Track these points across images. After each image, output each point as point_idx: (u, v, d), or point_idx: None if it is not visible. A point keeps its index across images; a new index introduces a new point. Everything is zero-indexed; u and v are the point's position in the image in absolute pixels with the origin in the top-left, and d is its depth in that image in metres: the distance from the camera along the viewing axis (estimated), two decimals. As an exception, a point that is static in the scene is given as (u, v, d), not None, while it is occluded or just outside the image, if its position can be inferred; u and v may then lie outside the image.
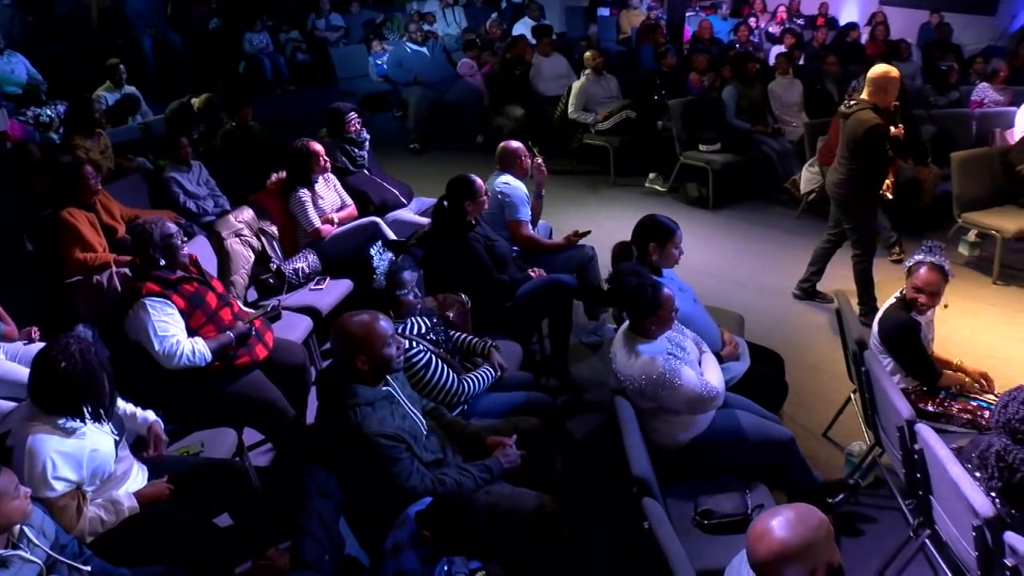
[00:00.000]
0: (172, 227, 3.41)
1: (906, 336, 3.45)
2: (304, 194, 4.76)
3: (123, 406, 3.05)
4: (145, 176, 5.70)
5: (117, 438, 2.72)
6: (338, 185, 5.12)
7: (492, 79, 8.95)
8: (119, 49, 9.97)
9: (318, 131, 5.86)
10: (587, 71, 8.03)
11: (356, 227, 4.89)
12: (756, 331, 4.52)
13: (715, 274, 5.81)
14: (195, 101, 6.72)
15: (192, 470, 2.99)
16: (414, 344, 3.21)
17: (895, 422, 2.90)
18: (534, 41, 9.17)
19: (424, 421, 2.90)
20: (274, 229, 4.79)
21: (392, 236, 4.84)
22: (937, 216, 6.26)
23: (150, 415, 3.11)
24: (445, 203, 4.24)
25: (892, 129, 4.60)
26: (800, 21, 11.48)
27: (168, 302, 3.27)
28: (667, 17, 10.91)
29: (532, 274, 4.39)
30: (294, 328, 4.18)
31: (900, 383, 3.48)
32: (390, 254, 3.41)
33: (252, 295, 4.61)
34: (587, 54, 8.21)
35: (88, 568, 2.35)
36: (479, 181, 4.27)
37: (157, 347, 3.20)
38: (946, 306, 3.58)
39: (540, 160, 4.89)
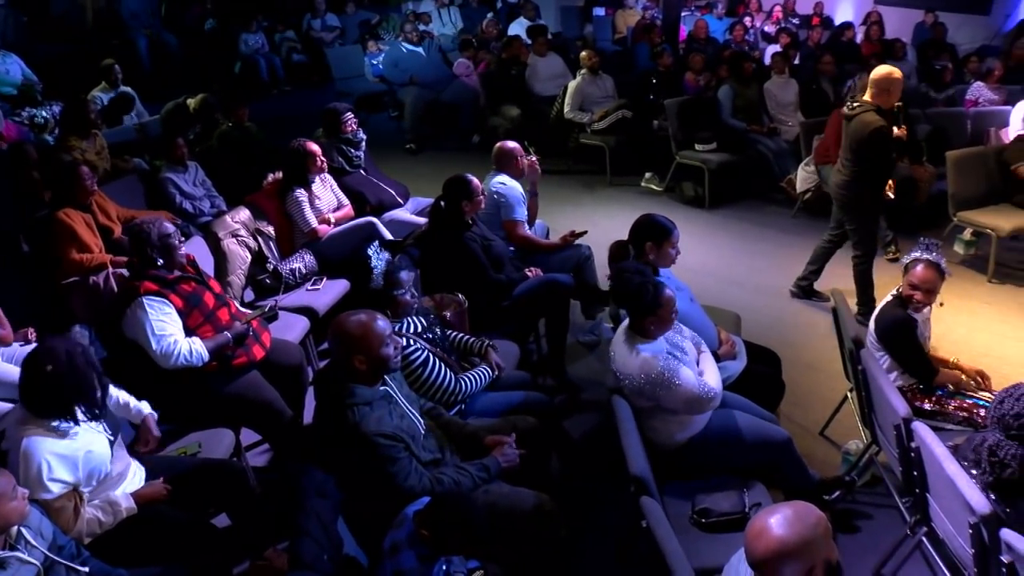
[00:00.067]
0: (170, 227, 3.40)
1: (903, 333, 3.46)
2: (301, 194, 4.75)
3: (116, 394, 3.05)
4: (141, 177, 5.69)
5: (112, 438, 2.72)
6: (334, 185, 5.12)
7: (488, 79, 8.95)
8: (114, 50, 9.93)
9: (314, 131, 5.85)
10: (583, 71, 8.04)
11: (353, 227, 4.89)
12: (753, 330, 4.53)
13: (712, 273, 5.82)
14: (191, 102, 6.71)
15: (190, 470, 2.99)
16: (411, 342, 3.21)
17: (892, 420, 2.91)
18: (529, 41, 9.17)
19: (422, 421, 2.90)
20: (271, 229, 4.78)
21: (389, 236, 4.84)
22: (932, 215, 6.28)
23: (144, 407, 3.11)
24: (442, 203, 4.24)
25: (895, 130, 4.61)
26: (795, 20, 11.49)
27: (166, 301, 3.27)
28: (663, 17, 10.93)
29: (529, 274, 4.39)
30: (291, 328, 4.17)
31: (896, 381, 3.49)
32: (387, 254, 3.42)
33: (249, 295, 4.61)
34: (583, 54, 8.21)
35: (86, 569, 2.35)
36: (476, 181, 4.27)
37: (155, 346, 3.20)
38: (941, 304, 3.59)
39: (534, 158, 4.90)
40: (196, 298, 3.41)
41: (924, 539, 2.97)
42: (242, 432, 3.58)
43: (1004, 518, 2.44)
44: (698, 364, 3.22)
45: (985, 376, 3.60)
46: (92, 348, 3.28)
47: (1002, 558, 2.29)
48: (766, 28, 11.26)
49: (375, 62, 10.23)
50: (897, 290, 3.56)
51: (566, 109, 8.00)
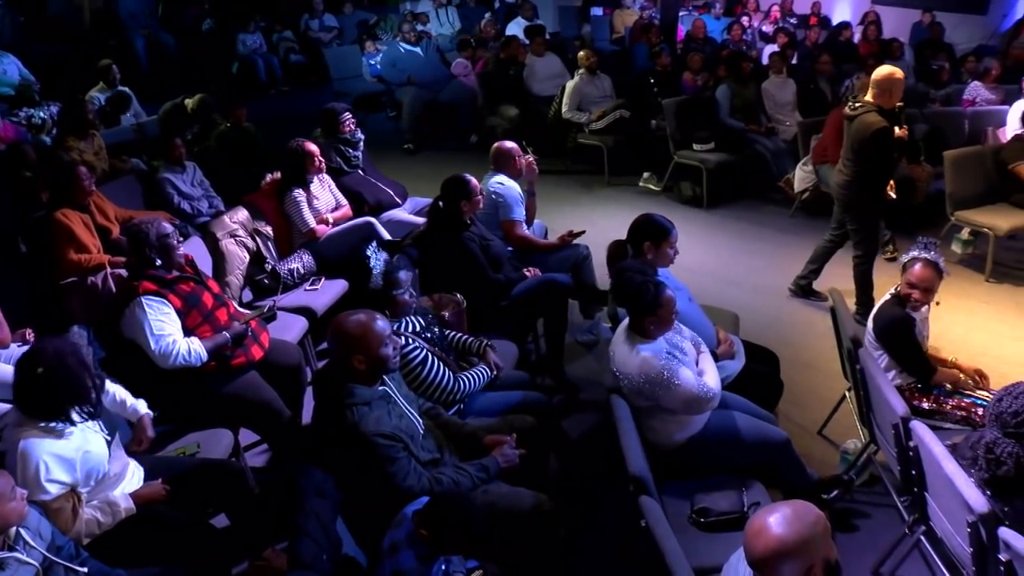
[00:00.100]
0: (168, 227, 3.40)
1: (901, 331, 3.47)
2: (299, 194, 4.75)
3: (113, 390, 3.05)
4: (139, 177, 5.69)
5: (109, 438, 2.72)
6: (333, 185, 5.12)
7: (486, 79, 8.95)
8: (112, 50, 9.93)
9: (312, 131, 5.85)
10: (581, 71, 8.04)
11: (351, 227, 4.88)
12: (751, 329, 4.53)
13: (710, 273, 5.82)
14: (189, 102, 6.71)
15: (188, 471, 2.99)
16: (410, 341, 3.21)
17: (890, 419, 2.92)
18: (527, 41, 9.17)
19: (421, 420, 2.90)
20: (269, 230, 4.78)
21: (387, 236, 4.84)
22: (930, 214, 6.29)
23: (141, 407, 3.10)
24: (441, 203, 4.24)
25: (897, 130, 4.61)
26: (793, 20, 11.51)
27: (164, 301, 3.27)
28: (660, 16, 10.93)
29: (527, 273, 4.39)
30: (289, 329, 4.17)
31: (894, 380, 3.50)
32: (385, 254, 3.41)
33: (247, 296, 4.60)
34: (581, 54, 8.22)
35: (84, 569, 2.34)
36: (474, 181, 4.27)
37: (153, 346, 3.20)
38: (938, 303, 3.60)
39: (531, 158, 4.90)
40: (195, 298, 3.41)
41: (922, 538, 2.98)
42: (240, 432, 3.58)
43: (1002, 516, 2.45)
44: (697, 364, 3.22)
45: (983, 375, 3.61)
46: (91, 348, 3.29)
47: (1000, 556, 2.30)
48: (764, 28, 11.27)
49: (373, 62, 10.23)
50: (895, 289, 3.56)
51: (564, 109, 8.01)
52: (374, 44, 10.43)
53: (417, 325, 3.39)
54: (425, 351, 3.24)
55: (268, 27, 11.77)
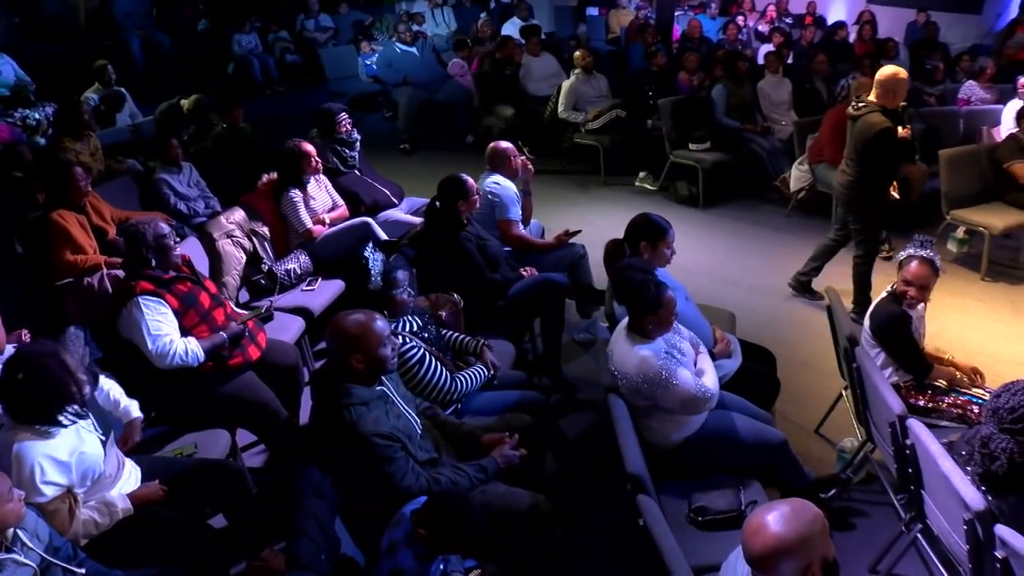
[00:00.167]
0: (165, 228, 3.40)
1: (897, 328, 3.47)
2: (296, 195, 4.75)
3: (108, 388, 3.05)
4: (135, 178, 5.67)
5: (103, 438, 2.71)
6: (329, 186, 5.11)
7: (482, 79, 8.96)
8: (107, 50, 9.92)
9: (308, 132, 5.85)
10: (577, 70, 8.05)
11: (348, 227, 4.88)
12: (747, 329, 4.54)
13: (706, 272, 5.83)
14: (185, 102, 6.69)
15: (186, 471, 2.98)
16: (407, 340, 3.21)
17: (887, 418, 2.92)
18: (523, 41, 9.18)
19: (419, 420, 2.90)
20: (265, 230, 4.77)
21: (384, 236, 4.84)
22: (926, 213, 6.30)
23: (134, 409, 3.09)
24: (438, 203, 4.25)
25: (900, 130, 4.61)
26: (788, 20, 11.53)
27: (162, 301, 3.27)
28: (656, 16, 10.94)
29: (524, 273, 4.39)
30: (286, 329, 4.17)
31: (891, 378, 3.51)
32: (381, 254, 3.42)
33: (244, 296, 4.60)
34: (577, 53, 8.22)
35: (82, 571, 2.34)
36: (471, 180, 4.27)
37: (150, 346, 3.20)
38: (927, 300, 3.61)
39: (525, 159, 4.91)
40: (192, 298, 3.41)
41: (919, 536, 2.99)
42: (238, 433, 3.58)
43: (998, 514, 2.46)
44: (696, 365, 3.22)
45: (979, 373, 3.62)
46: (87, 349, 3.29)
47: (996, 553, 2.30)
48: (759, 27, 11.29)
49: (369, 62, 10.23)
50: (892, 286, 3.57)
51: (560, 109, 8.01)
52: (370, 44, 10.42)
53: (415, 325, 3.40)
54: (423, 351, 3.24)
55: (264, 27, 11.76)
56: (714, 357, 3.46)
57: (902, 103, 4.68)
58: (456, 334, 3.73)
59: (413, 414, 2.88)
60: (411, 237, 4.60)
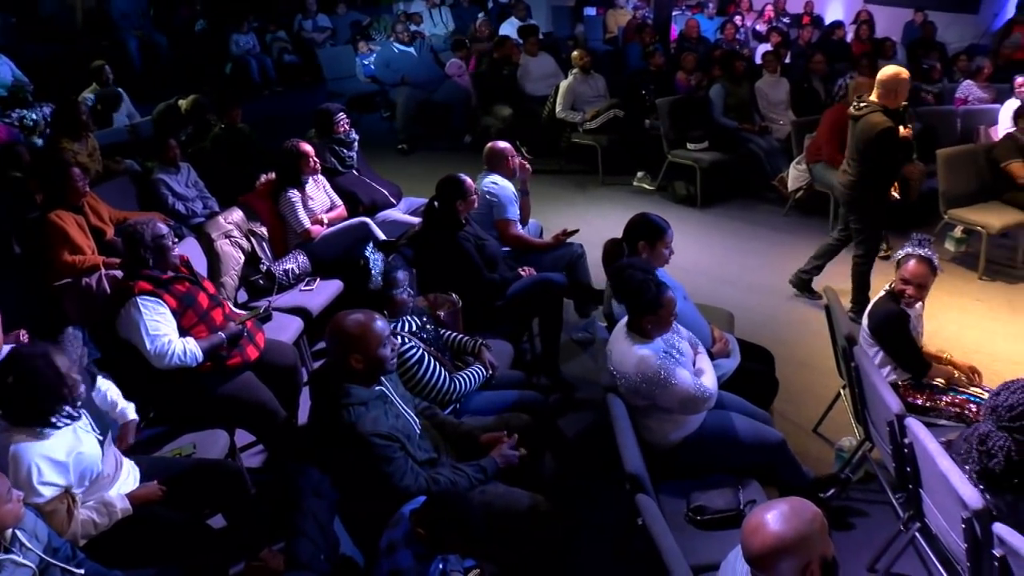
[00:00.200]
0: (163, 228, 3.40)
1: (895, 326, 3.48)
2: (294, 195, 4.75)
3: (106, 388, 3.04)
4: (133, 178, 5.67)
5: (101, 437, 2.71)
6: (327, 186, 5.11)
7: (480, 79, 8.96)
8: (104, 51, 9.91)
9: (306, 132, 5.84)
10: (574, 70, 8.05)
11: (346, 228, 4.88)
12: (746, 328, 4.54)
13: (704, 272, 5.83)
14: (182, 103, 6.69)
15: (185, 471, 2.98)
16: (407, 340, 3.21)
17: (885, 417, 2.93)
18: (521, 41, 9.18)
19: (417, 420, 2.90)
20: (264, 230, 4.77)
21: (382, 236, 4.84)
22: (923, 212, 6.30)
23: (130, 412, 3.09)
24: (436, 203, 4.25)
25: (902, 130, 4.61)
26: (786, 20, 11.54)
27: (160, 301, 3.27)
28: (654, 16, 10.94)
29: (522, 273, 4.40)
30: (285, 329, 4.17)
31: (889, 376, 3.51)
32: (381, 254, 3.42)
33: (242, 296, 4.60)
34: (575, 53, 8.22)
35: (81, 571, 2.34)
36: (469, 180, 4.27)
37: (148, 346, 3.20)
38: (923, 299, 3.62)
39: (523, 160, 4.91)
40: (190, 298, 3.41)
41: (917, 534, 2.99)
42: (236, 434, 3.58)
43: (995, 512, 2.46)
44: (695, 364, 3.22)
45: (977, 372, 3.63)
46: (85, 349, 3.28)
47: (994, 552, 2.31)
48: (757, 27, 11.30)
49: (367, 62, 10.22)
50: (890, 285, 3.58)
51: (558, 109, 8.01)
52: (367, 44, 10.42)
53: (414, 325, 3.40)
54: (421, 351, 3.24)
55: (261, 27, 11.75)
56: (712, 357, 3.46)
57: (903, 103, 4.67)
58: (454, 334, 3.73)
59: (412, 414, 2.88)
60: (409, 237, 4.60)
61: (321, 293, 4.59)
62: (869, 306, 3.66)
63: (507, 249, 4.66)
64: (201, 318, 3.42)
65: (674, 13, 11.29)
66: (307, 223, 4.77)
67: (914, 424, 2.71)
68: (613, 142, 7.86)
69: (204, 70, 10.80)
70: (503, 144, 4.88)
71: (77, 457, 2.57)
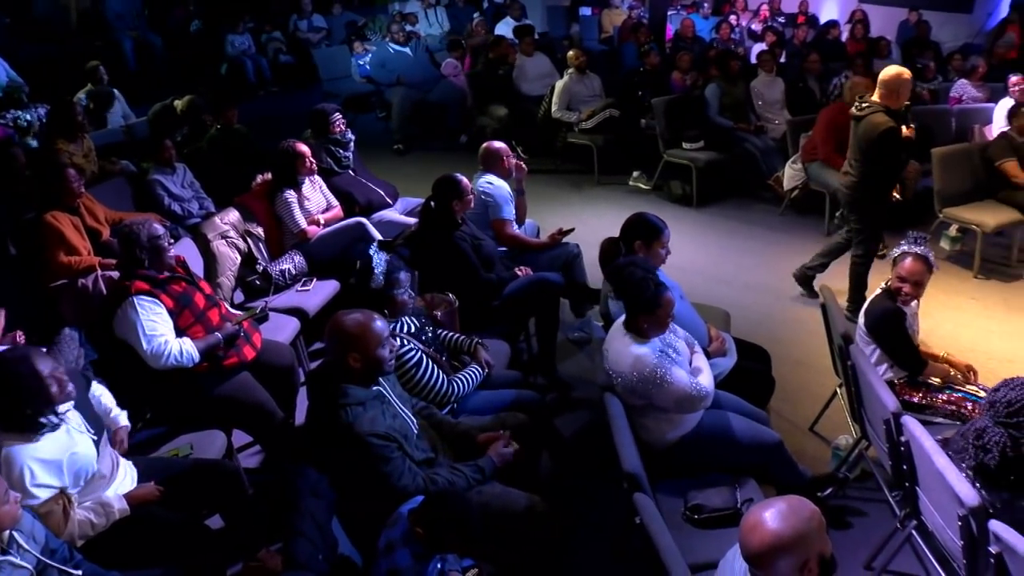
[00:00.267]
0: (159, 228, 3.39)
1: (892, 324, 3.49)
2: (290, 195, 4.74)
3: (99, 392, 3.03)
4: (129, 179, 5.65)
5: (96, 437, 2.71)
6: (323, 186, 5.11)
7: (475, 79, 8.95)
8: (99, 51, 9.88)
9: (302, 132, 5.83)
10: (570, 70, 8.05)
11: (342, 228, 4.88)
12: (742, 327, 4.55)
13: (700, 271, 5.84)
14: (178, 103, 6.67)
15: (183, 471, 2.98)
16: (406, 342, 3.21)
17: (881, 415, 2.94)
18: (516, 41, 9.18)
19: (415, 420, 2.90)
20: (260, 231, 4.77)
21: (378, 236, 4.84)
22: (919, 211, 6.33)
23: (121, 419, 3.07)
24: (432, 203, 4.25)
25: (904, 130, 4.61)
26: (781, 19, 11.56)
27: (157, 301, 3.26)
28: (649, 16, 10.97)
29: (519, 273, 4.40)
30: (281, 329, 4.17)
31: (885, 374, 3.52)
32: (386, 254, 3.41)
33: (239, 297, 4.59)
34: (570, 53, 8.22)
35: (79, 572, 2.34)
36: (465, 180, 4.28)
37: (145, 346, 3.19)
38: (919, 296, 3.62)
39: (519, 160, 4.91)
40: (187, 298, 3.41)
41: (914, 532, 3.01)
42: (234, 434, 3.58)
43: (991, 509, 2.47)
44: (691, 364, 3.23)
45: (974, 371, 3.64)
46: (82, 350, 3.27)
47: (990, 549, 2.31)
48: (752, 26, 11.32)
49: (362, 63, 10.21)
50: (886, 283, 3.59)
51: (554, 108, 8.02)
52: (363, 45, 10.41)
53: (413, 326, 3.40)
54: (420, 353, 3.24)
55: (257, 28, 11.72)
56: (709, 356, 3.47)
57: (905, 103, 4.67)
58: (450, 333, 3.73)
59: (409, 414, 2.88)
60: (406, 237, 4.60)
61: (317, 293, 4.59)
62: (866, 304, 3.66)
63: (503, 249, 4.66)
64: (198, 318, 3.42)
65: (669, 13, 11.31)
66: (303, 223, 4.76)
67: (910, 422, 2.72)
68: (609, 142, 7.87)
69: (199, 71, 10.77)
70: (499, 144, 4.88)
71: (71, 458, 2.56)
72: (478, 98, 8.84)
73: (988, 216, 5.70)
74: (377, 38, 11.09)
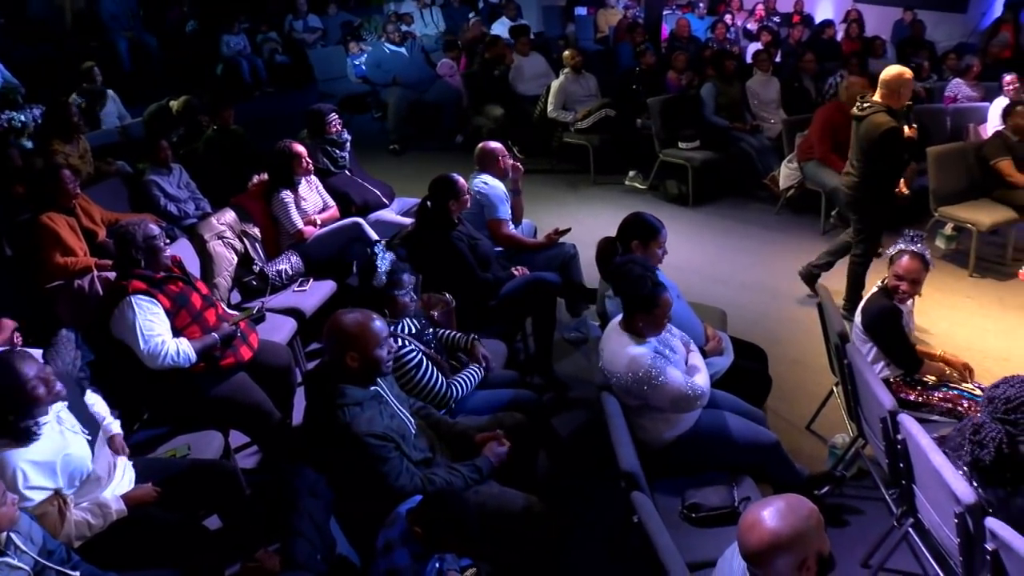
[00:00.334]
0: (155, 229, 3.39)
1: (889, 322, 3.50)
2: (287, 196, 4.74)
3: (92, 401, 3.03)
4: (125, 180, 5.65)
5: (90, 438, 2.70)
6: (320, 187, 5.11)
7: (471, 79, 8.95)
8: (94, 52, 9.86)
9: (298, 133, 5.83)
10: (566, 70, 8.06)
11: (339, 228, 4.87)
12: (738, 326, 4.56)
13: (696, 271, 5.85)
14: (174, 104, 6.67)
15: (180, 472, 2.98)
16: (406, 343, 3.21)
17: (878, 413, 2.94)
18: (512, 41, 9.18)
19: (412, 420, 2.90)
20: (256, 231, 4.76)
21: (375, 237, 4.84)
22: (914, 210, 6.33)
23: (114, 428, 3.04)
24: (429, 203, 4.25)
25: (906, 130, 4.61)
26: (776, 19, 11.59)
27: (154, 301, 3.26)
28: (644, 16, 10.98)
29: (515, 273, 4.40)
30: (278, 330, 4.16)
31: (881, 373, 3.53)
32: (392, 254, 3.41)
33: (235, 297, 4.59)
34: (566, 53, 8.24)
35: (76, 573, 2.33)
36: (461, 180, 4.28)
37: (142, 346, 3.19)
38: (919, 295, 3.63)
39: (515, 161, 4.92)
40: (183, 298, 3.41)
41: (911, 530, 3.02)
42: (231, 434, 3.57)
43: (987, 506, 2.48)
44: (687, 363, 3.23)
45: (970, 369, 3.64)
46: (79, 352, 3.26)
47: (987, 546, 2.32)
48: (748, 26, 11.34)
49: (358, 63, 10.20)
50: (883, 281, 3.60)
51: (549, 108, 8.02)
52: (358, 45, 10.41)
53: (413, 328, 3.39)
54: (420, 354, 3.24)
55: (252, 28, 11.70)
56: (706, 355, 3.47)
57: (907, 103, 4.67)
58: (446, 331, 3.73)
59: (407, 414, 2.88)
60: (403, 237, 4.60)
61: (314, 294, 4.59)
62: (862, 303, 3.68)
63: (500, 249, 4.66)
64: (194, 318, 3.41)
65: (665, 12, 11.33)
66: (300, 224, 4.76)
67: (907, 420, 2.73)
68: (605, 141, 7.87)
69: (195, 71, 10.75)
70: (494, 144, 4.88)
71: (64, 459, 2.56)
72: (474, 98, 8.84)
73: (983, 215, 5.72)
74: (373, 38, 11.09)
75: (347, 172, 5.52)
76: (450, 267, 4.15)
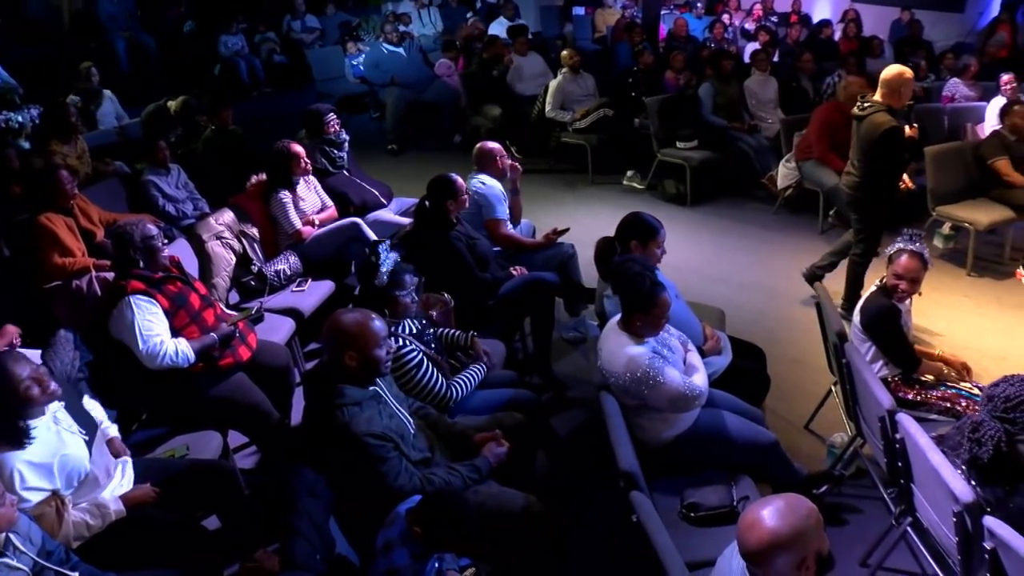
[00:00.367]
0: (153, 229, 3.39)
1: (887, 321, 3.50)
2: (285, 196, 4.74)
3: (89, 406, 3.02)
4: (123, 180, 5.65)
5: (87, 438, 2.70)
6: (318, 187, 5.11)
7: (469, 79, 8.96)
8: (92, 52, 9.85)
9: (296, 133, 5.83)
10: (564, 70, 8.06)
11: (337, 228, 4.87)
12: (737, 326, 4.56)
13: (695, 270, 5.85)
14: (172, 104, 6.66)
15: (179, 472, 2.97)
16: (407, 343, 3.21)
17: (876, 412, 2.95)
18: (510, 40, 9.18)
19: (411, 420, 2.90)
20: (255, 231, 4.76)
21: (373, 237, 4.83)
22: (912, 209, 6.34)
23: (111, 431, 3.04)
24: (427, 203, 4.25)
25: (907, 129, 4.60)
26: (774, 18, 11.59)
27: (153, 301, 3.26)
28: (642, 15, 10.97)
29: (514, 272, 4.40)
30: (277, 330, 4.16)
31: (880, 372, 3.53)
32: (395, 254, 3.41)
33: (234, 298, 4.58)
34: (564, 53, 8.24)
35: (75, 574, 2.33)
36: (460, 180, 4.28)
37: (141, 346, 3.19)
38: (920, 294, 3.64)
39: (513, 162, 4.93)
40: (182, 299, 3.41)
41: (909, 529, 3.02)
42: (230, 434, 3.57)
43: (985, 504, 2.48)
44: (685, 363, 3.23)
45: (968, 369, 3.65)
46: (77, 352, 3.26)
47: (985, 545, 2.32)
48: (746, 26, 11.35)
49: (355, 63, 10.20)
50: (881, 280, 3.60)
51: (547, 108, 8.02)
52: (356, 45, 10.41)
53: (415, 328, 3.39)
54: (420, 354, 3.23)
55: (250, 28, 11.70)
56: (704, 355, 3.47)
57: (908, 102, 4.67)
58: (445, 330, 3.72)
59: (406, 414, 2.88)
60: (401, 237, 4.60)
61: (313, 294, 4.58)
62: (861, 301, 3.68)
63: (499, 249, 4.66)
64: (193, 319, 3.41)
65: (662, 12, 11.32)
66: (298, 224, 4.76)
67: (905, 419, 2.73)
68: (603, 141, 7.88)
69: (193, 71, 10.74)
70: (492, 144, 4.88)
71: (62, 459, 2.55)
72: (472, 98, 8.85)
73: (981, 214, 5.72)
74: (371, 38, 11.09)
75: (345, 172, 5.52)
76: (448, 267, 4.15)
